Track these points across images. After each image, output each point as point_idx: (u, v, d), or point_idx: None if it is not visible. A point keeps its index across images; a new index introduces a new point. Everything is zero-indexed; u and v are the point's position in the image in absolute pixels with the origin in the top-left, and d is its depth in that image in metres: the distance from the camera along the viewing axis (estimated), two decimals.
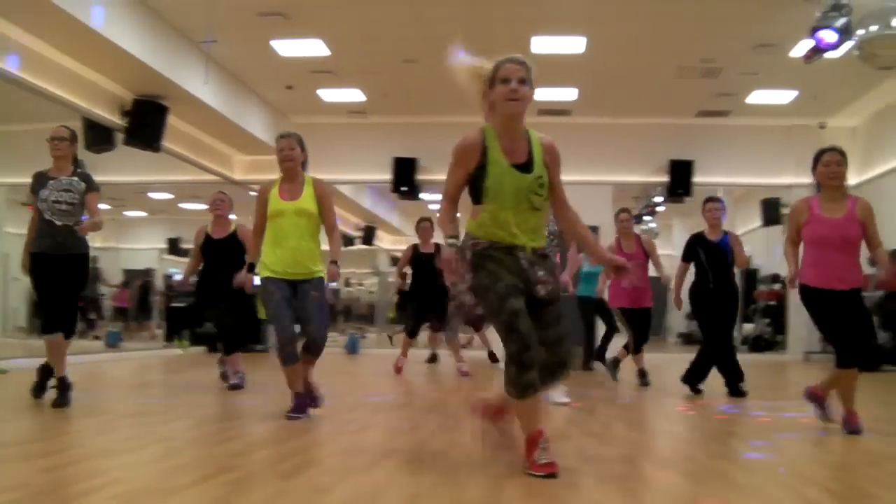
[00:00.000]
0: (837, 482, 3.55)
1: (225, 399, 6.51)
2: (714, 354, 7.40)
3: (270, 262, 5.28)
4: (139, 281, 18.47)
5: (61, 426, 4.90)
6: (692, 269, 7.62)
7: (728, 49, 10.81)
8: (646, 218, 17.27)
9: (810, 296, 5.02)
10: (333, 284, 6.71)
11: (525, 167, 3.60)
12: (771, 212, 14.96)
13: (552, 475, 3.42)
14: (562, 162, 3.72)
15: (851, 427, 4.91)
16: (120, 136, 10.94)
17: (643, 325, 8.35)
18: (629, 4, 9.60)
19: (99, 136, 10.77)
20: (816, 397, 5.24)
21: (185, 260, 7.60)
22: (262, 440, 4.60)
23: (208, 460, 3.92)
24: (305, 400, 5.34)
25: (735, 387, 7.25)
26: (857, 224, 4.93)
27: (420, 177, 14.48)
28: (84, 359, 11.35)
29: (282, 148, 5.35)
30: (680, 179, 14.21)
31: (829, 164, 5.00)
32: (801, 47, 9.85)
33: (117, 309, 18.12)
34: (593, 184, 13.70)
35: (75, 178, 5.70)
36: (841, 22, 8.08)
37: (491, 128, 3.66)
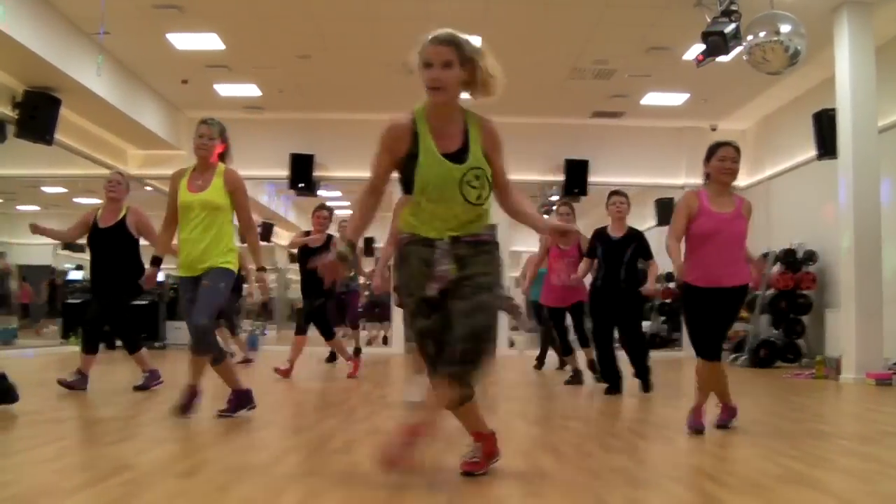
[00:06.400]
0: (730, 476, 3.62)
1: (123, 398, 6.21)
2: (603, 352, 7.30)
3: (180, 258, 5.04)
4: (46, 279, 18.04)
5: None
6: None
7: (621, 51, 11.01)
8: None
9: (693, 295, 4.88)
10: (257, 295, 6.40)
11: (458, 156, 3.26)
12: (665, 212, 15.29)
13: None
14: None
15: (719, 422, 4.98)
16: (11, 129, 10.52)
17: (578, 321, 8.25)
18: (523, 5, 9.65)
19: None
20: (695, 418, 4.92)
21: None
22: (160, 439, 4.42)
23: (102, 460, 3.76)
24: (193, 395, 5.09)
25: (645, 381, 7.28)
26: (744, 221, 4.87)
27: (317, 173, 14.18)
28: None
29: (200, 134, 5.09)
30: (576, 179, 14.42)
31: (724, 158, 4.85)
32: (693, 51, 10.12)
33: (22, 305, 17.68)
34: None
35: None
36: (731, 27, 8.31)
37: (422, 109, 3.30)
